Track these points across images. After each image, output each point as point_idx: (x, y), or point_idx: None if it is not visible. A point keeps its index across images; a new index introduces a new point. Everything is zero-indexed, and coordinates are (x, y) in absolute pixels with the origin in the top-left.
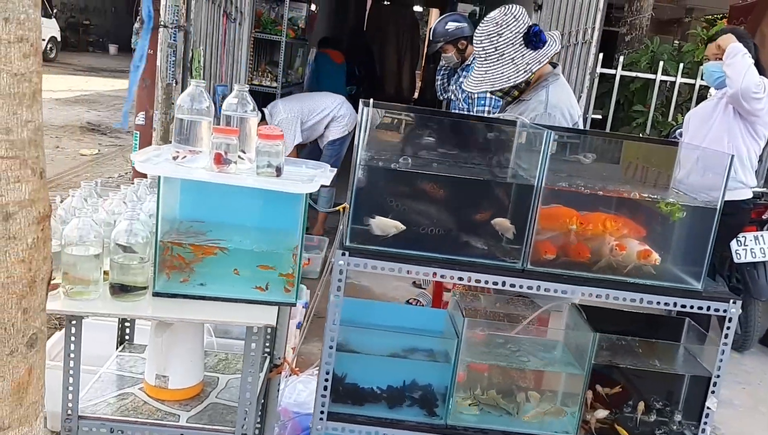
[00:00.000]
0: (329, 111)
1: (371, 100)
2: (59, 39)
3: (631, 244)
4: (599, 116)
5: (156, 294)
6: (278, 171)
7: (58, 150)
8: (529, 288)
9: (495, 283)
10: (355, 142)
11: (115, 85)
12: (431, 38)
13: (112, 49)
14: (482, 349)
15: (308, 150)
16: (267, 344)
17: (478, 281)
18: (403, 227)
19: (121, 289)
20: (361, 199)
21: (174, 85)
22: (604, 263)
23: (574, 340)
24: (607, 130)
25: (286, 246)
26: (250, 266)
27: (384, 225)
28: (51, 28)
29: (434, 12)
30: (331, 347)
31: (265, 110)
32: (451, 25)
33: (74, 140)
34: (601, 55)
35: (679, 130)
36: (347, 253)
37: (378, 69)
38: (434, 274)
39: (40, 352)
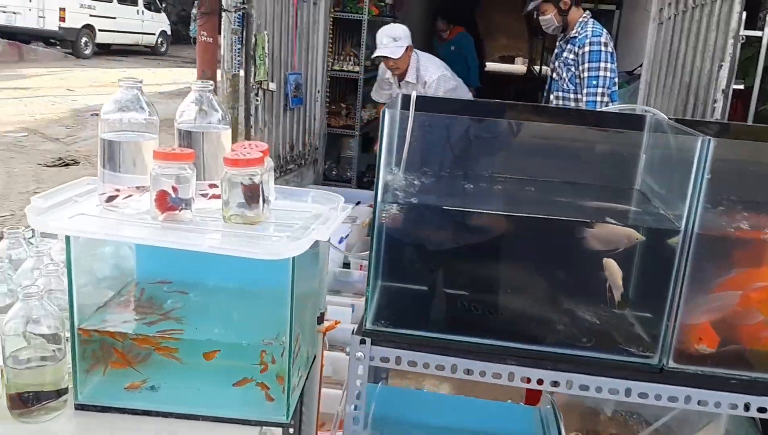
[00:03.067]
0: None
1: (399, 94)
2: (169, 33)
3: None
4: (741, 86)
5: (80, 407)
6: (255, 212)
7: None
8: (672, 400)
9: (614, 391)
10: (379, 161)
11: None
12: None
13: None
14: None
15: None
16: None
17: (584, 388)
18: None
19: (23, 402)
20: (387, 251)
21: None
22: None
23: None
24: (753, 104)
25: (271, 331)
26: (221, 363)
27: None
28: (161, 22)
29: None
30: None
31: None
32: None
33: (170, 135)
34: (744, 15)
35: None
36: (369, 340)
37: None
38: (510, 375)
39: None
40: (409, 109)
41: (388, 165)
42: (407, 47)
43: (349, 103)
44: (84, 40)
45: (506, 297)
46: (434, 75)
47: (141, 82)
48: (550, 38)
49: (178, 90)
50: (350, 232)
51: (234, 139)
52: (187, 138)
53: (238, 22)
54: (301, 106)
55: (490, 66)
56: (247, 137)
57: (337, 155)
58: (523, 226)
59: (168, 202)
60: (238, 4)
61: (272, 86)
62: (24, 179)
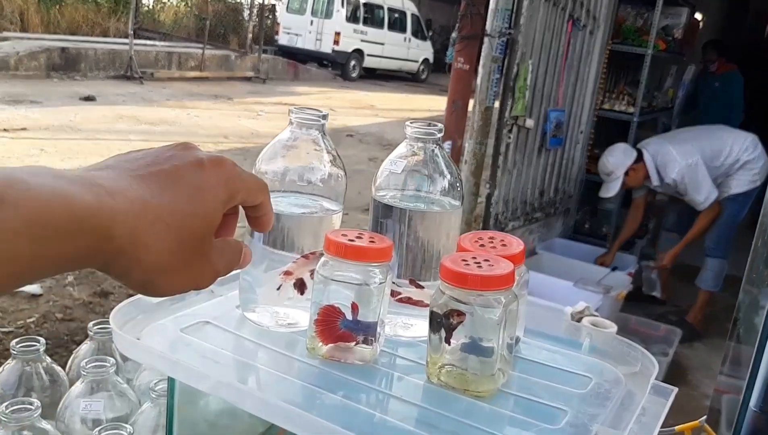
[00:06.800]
0: (737, 152)
1: None
2: (432, 61)
3: None
4: None
5: None
6: (487, 372)
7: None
8: None
9: None
10: None
11: None
12: None
13: None
14: None
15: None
16: None
17: None
18: None
19: None
20: None
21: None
22: None
23: None
24: None
25: None
26: None
27: None
28: (425, 51)
29: None
30: None
31: (644, 152)
32: None
33: None
34: None
35: None
36: None
37: None
38: None
39: None
40: None
41: None
42: (628, 170)
43: None
44: (353, 63)
45: None
46: (675, 174)
47: (325, 116)
48: None
49: (431, 117)
50: (600, 305)
51: (477, 178)
52: (388, 215)
53: (501, 49)
54: (559, 147)
55: None
56: (493, 178)
57: (594, 207)
58: None
59: (338, 328)
60: (504, 29)
61: (529, 123)
62: None
